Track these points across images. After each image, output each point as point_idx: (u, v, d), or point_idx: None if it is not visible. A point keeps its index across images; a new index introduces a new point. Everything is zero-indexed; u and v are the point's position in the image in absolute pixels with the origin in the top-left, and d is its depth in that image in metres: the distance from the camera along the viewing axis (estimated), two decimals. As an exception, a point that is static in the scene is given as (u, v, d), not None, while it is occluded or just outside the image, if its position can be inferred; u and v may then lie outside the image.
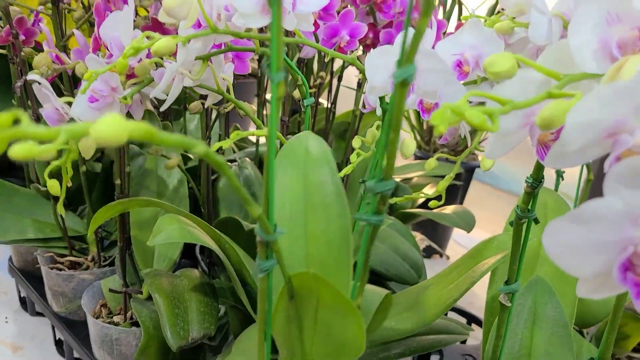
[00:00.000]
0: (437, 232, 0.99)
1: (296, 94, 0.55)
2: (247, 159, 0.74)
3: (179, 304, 0.45)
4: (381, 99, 0.43)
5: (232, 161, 0.73)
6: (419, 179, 0.88)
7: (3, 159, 0.86)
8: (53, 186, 0.42)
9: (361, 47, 0.65)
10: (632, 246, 0.18)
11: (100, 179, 0.65)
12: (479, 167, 0.99)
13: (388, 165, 0.27)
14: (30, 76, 0.38)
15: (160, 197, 0.61)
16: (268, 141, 0.26)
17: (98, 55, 0.39)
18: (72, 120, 0.40)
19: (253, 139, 1.08)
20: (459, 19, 0.79)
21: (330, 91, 0.83)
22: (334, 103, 0.80)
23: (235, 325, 0.49)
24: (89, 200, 0.61)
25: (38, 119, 0.58)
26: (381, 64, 0.38)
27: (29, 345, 0.67)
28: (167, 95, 0.40)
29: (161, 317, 0.44)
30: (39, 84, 0.37)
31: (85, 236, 0.66)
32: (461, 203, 1.02)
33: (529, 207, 0.32)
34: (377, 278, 0.58)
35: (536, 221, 0.32)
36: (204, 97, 0.49)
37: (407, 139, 0.47)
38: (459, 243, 1.06)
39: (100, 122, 0.17)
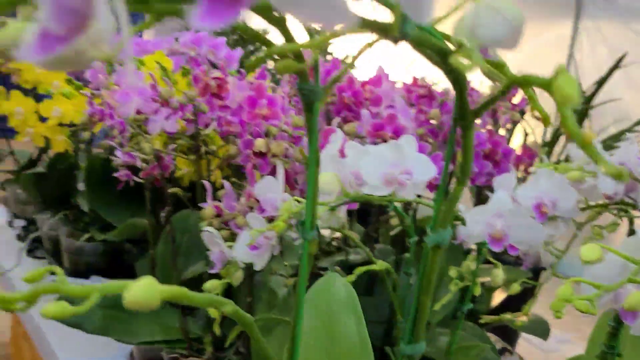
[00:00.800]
0: (507, 329, 1.04)
1: (395, 221, 0.65)
2: (336, 267, 0.83)
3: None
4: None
5: (323, 268, 0.82)
6: (490, 281, 0.95)
7: (120, 260, 0.98)
8: (213, 311, 0.52)
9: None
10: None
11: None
12: (544, 268, 1.05)
13: (417, 329, 0.30)
14: (205, 229, 0.49)
15: (271, 307, 0.70)
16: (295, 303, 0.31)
17: (253, 211, 0.50)
18: (232, 259, 0.50)
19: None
20: (524, 142, 0.89)
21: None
22: (414, 220, 0.90)
23: None
24: (211, 309, 0.71)
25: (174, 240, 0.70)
26: (479, 219, 0.47)
27: None
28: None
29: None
30: (209, 232, 0.49)
31: (201, 338, 0.76)
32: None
33: (614, 345, 0.39)
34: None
35: (619, 355, 0.40)
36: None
37: (496, 270, 0.55)
38: (530, 342, 1.10)
39: (135, 286, 0.19)
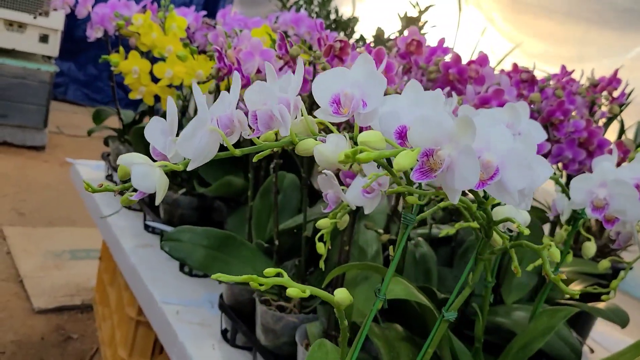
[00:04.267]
0: (576, 329, 1.04)
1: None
2: (420, 238, 0.87)
3: (392, 350, 0.58)
4: (575, 210, 0.55)
5: (409, 238, 0.86)
6: (567, 274, 0.96)
7: (210, 216, 1.06)
8: (320, 247, 0.58)
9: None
10: None
11: (310, 242, 0.81)
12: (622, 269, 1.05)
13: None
14: (323, 171, 0.54)
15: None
16: None
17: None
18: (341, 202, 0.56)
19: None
20: (619, 136, 0.90)
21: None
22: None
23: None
24: (304, 259, 0.77)
25: (277, 192, 0.76)
26: (581, 186, 0.50)
27: (232, 370, 0.83)
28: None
29: (381, 356, 0.57)
30: (326, 175, 0.54)
31: (290, 287, 0.82)
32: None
33: None
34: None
35: None
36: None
37: (588, 243, 0.58)
38: (597, 342, 1.10)
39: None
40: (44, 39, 3.00)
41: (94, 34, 1.32)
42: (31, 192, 2.65)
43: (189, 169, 0.34)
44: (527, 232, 0.42)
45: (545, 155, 0.77)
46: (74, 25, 4.22)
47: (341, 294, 0.37)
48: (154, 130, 0.36)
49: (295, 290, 0.34)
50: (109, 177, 1.53)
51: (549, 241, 0.60)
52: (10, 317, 1.65)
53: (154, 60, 1.19)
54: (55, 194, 2.67)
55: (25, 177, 2.82)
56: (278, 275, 0.36)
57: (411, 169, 0.32)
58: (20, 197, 2.56)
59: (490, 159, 0.32)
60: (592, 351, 1.01)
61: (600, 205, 0.50)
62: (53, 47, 3.08)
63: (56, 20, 3.00)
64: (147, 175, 0.32)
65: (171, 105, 0.37)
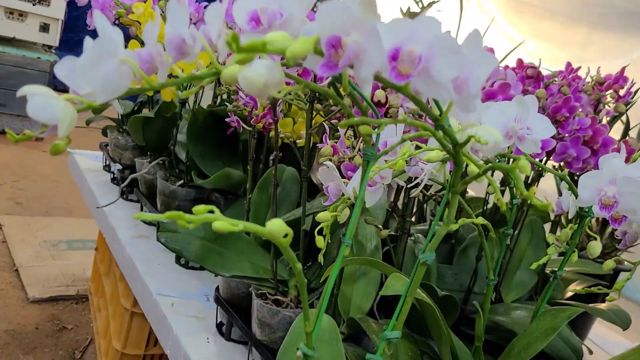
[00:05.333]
0: (574, 330, 1.03)
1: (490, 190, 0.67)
2: (420, 234, 0.86)
3: (391, 347, 0.57)
4: (581, 208, 0.54)
5: (409, 234, 0.85)
6: (567, 274, 0.95)
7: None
8: (319, 240, 0.56)
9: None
10: None
11: (308, 236, 0.80)
12: (624, 270, 1.04)
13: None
14: (324, 162, 0.53)
15: (359, 258, 0.74)
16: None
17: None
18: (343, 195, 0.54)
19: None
20: (623, 136, 0.88)
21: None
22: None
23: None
24: (302, 252, 0.76)
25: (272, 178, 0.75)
26: (590, 183, 0.49)
27: (226, 364, 0.82)
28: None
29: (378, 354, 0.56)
30: (327, 167, 0.53)
31: (287, 281, 0.81)
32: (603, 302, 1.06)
33: None
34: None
35: None
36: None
37: (594, 242, 0.56)
38: (595, 343, 1.09)
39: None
40: (44, 28, 2.98)
41: (94, 22, 1.30)
42: (29, 181, 2.63)
43: (98, 101, 0.32)
44: (485, 142, 0.39)
45: (550, 153, 0.76)
46: (74, 15, 4.20)
47: (273, 224, 0.31)
48: (66, 69, 0.33)
49: (225, 224, 0.29)
50: (107, 167, 1.52)
51: (554, 239, 0.59)
52: (5, 306, 1.63)
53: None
54: (53, 183, 2.65)
55: (24, 167, 2.80)
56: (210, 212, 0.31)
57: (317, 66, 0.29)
58: (18, 186, 2.54)
59: (413, 49, 0.29)
60: (591, 352, 1.00)
61: (608, 204, 0.48)
62: (53, 37, 3.06)
63: (57, 10, 2.98)
64: (46, 105, 0.30)
65: (90, 43, 0.34)
